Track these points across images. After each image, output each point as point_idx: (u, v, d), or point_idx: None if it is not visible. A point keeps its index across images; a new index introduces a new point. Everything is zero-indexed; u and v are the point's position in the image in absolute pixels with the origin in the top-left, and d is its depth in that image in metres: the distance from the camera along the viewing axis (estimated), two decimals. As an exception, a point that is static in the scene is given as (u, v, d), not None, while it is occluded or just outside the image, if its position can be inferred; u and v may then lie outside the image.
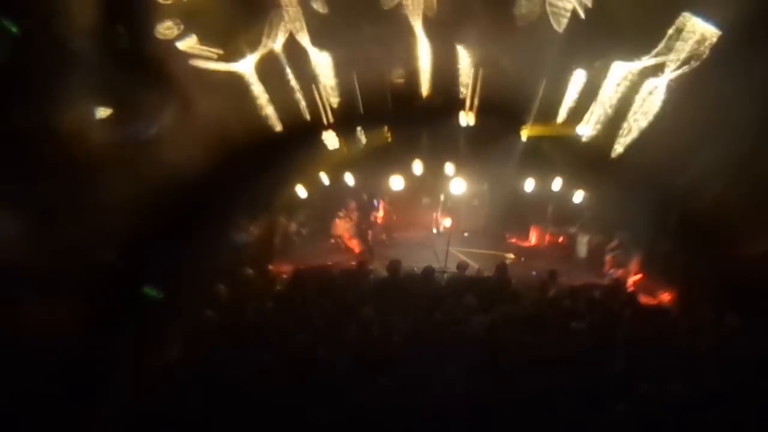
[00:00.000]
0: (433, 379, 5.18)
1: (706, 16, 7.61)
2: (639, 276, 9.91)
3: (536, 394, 5.17)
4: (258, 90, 9.03)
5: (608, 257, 10.72)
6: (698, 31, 7.72)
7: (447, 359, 5.43)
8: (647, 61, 8.29)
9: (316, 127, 9.91)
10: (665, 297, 8.92)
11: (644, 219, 8.93)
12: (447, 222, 11.95)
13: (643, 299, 8.43)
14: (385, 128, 10.93)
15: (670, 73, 8.20)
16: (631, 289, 9.47)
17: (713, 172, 7.63)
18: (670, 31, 7.92)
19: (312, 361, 5.40)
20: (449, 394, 5.09)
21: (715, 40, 7.61)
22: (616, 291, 8.69)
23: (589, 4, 8.04)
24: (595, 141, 9.53)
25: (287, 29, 8.70)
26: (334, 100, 9.61)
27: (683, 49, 7.90)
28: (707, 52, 7.70)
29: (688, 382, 5.44)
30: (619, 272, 10.15)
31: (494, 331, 5.99)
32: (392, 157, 11.24)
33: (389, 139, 10.99)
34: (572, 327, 6.46)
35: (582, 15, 8.09)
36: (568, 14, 8.22)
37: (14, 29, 6.33)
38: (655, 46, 8.10)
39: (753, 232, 7.51)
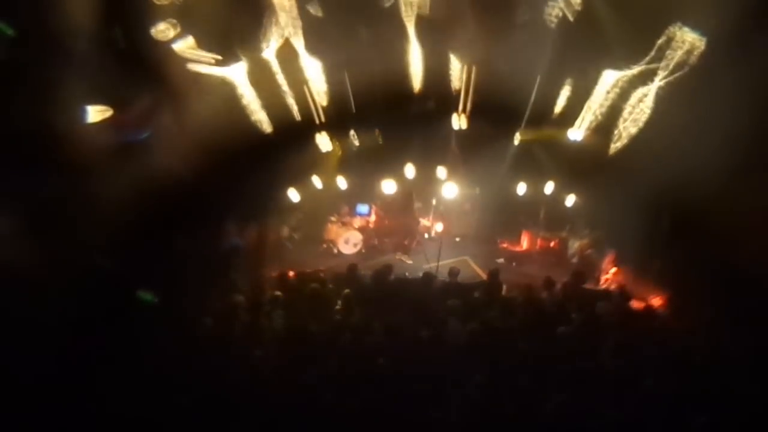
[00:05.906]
0: (421, 388, 5.19)
1: (695, 25, 7.70)
2: (615, 270, 10.05)
3: (524, 400, 5.21)
4: (251, 93, 9.03)
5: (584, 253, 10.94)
6: (687, 40, 7.84)
7: (433, 366, 5.46)
8: (637, 68, 8.40)
9: (308, 130, 9.91)
10: (657, 300, 8.98)
11: (636, 223, 8.98)
12: (439, 227, 11.90)
13: (635, 303, 8.48)
14: (377, 131, 10.92)
15: (659, 81, 8.30)
16: (611, 284, 9.60)
17: (705, 176, 7.68)
18: (660, 41, 8.03)
19: (304, 368, 5.41)
20: (437, 401, 5.12)
21: (703, 48, 7.71)
22: (606, 294, 8.77)
23: (580, 11, 8.13)
24: (586, 145, 9.61)
25: (282, 33, 8.71)
26: (327, 103, 9.62)
27: (673, 57, 8.01)
28: (696, 60, 7.80)
29: (678, 386, 5.48)
30: (609, 275, 10.25)
31: (480, 338, 6.02)
32: (384, 161, 11.24)
33: (380, 141, 10.98)
34: (559, 331, 6.51)
35: (572, 20, 8.19)
36: (557, 20, 8.31)
37: (9, 31, 6.32)
38: (645, 55, 8.20)
39: (745, 235, 7.56)
